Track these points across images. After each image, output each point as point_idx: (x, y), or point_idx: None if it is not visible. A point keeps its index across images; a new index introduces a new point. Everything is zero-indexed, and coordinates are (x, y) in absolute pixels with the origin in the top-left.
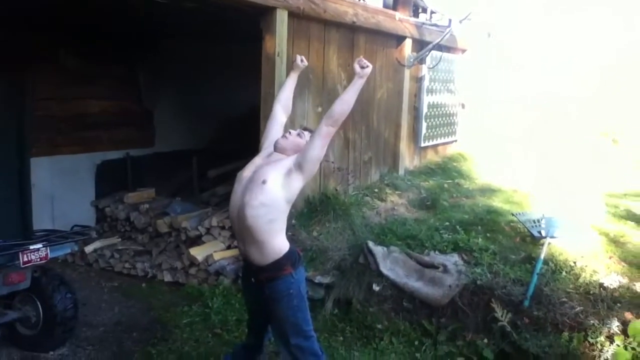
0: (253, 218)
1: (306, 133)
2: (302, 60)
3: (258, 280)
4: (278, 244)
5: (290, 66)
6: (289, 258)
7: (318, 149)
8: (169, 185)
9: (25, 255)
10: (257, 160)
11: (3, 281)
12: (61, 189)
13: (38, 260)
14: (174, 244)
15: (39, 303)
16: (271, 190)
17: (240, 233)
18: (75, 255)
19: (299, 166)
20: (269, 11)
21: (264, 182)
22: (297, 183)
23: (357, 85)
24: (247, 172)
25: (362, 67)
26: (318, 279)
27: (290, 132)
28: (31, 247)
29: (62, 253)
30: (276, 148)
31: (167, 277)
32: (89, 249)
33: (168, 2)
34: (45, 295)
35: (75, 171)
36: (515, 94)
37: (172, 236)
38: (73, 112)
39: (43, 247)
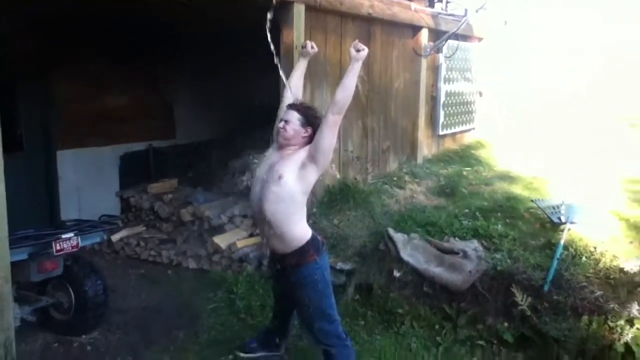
0: (272, 214)
1: (291, 112)
2: (312, 47)
3: (283, 267)
4: (299, 232)
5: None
6: (312, 245)
7: (328, 138)
8: (191, 175)
9: (58, 244)
10: (272, 156)
11: (37, 269)
12: (87, 181)
13: (70, 248)
14: (198, 232)
15: (71, 289)
16: (288, 186)
17: (262, 226)
18: (103, 243)
19: (312, 158)
20: (287, 5)
21: (280, 177)
22: (313, 174)
23: (354, 69)
24: (263, 167)
25: (358, 51)
26: (339, 265)
27: (282, 123)
28: (63, 236)
29: (91, 242)
30: (281, 145)
31: (192, 264)
32: (115, 237)
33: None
34: (76, 282)
35: (100, 163)
36: (531, 81)
37: (196, 225)
38: (95, 107)
39: (74, 236)
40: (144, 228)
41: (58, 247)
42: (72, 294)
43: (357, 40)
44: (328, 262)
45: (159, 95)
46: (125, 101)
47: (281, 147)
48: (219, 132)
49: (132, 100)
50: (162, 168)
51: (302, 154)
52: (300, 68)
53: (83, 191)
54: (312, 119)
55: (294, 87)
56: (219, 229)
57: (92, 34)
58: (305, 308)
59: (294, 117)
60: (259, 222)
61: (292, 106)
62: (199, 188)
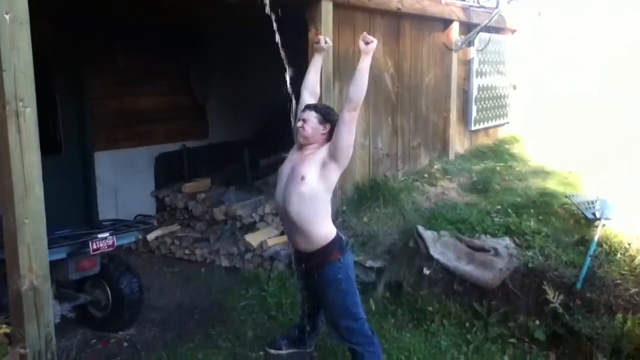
0: (297, 214)
1: (307, 111)
2: (326, 42)
3: (307, 266)
4: (324, 231)
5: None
6: (336, 244)
7: (346, 136)
8: (223, 174)
9: (94, 243)
10: (293, 157)
11: (75, 267)
12: (123, 181)
13: (106, 247)
14: (230, 231)
15: (107, 287)
16: (310, 186)
17: (287, 225)
18: (138, 242)
19: (332, 157)
20: (314, 3)
21: (302, 178)
22: (334, 173)
23: (365, 63)
24: (286, 168)
25: (367, 43)
26: (369, 263)
27: (300, 123)
28: (100, 235)
29: (127, 241)
30: (301, 144)
31: (225, 263)
32: (150, 236)
33: None
34: (113, 280)
35: (135, 164)
36: (565, 75)
37: (228, 224)
38: (129, 108)
39: (110, 235)
40: (179, 227)
41: (95, 247)
42: (109, 292)
43: (365, 33)
44: (352, 261)
45: (192, 96)
46: (159, 103)
47: (301, 147)
48: (251, 132)
49: (166, 102)
50: (196, 168)
51: (322, 153)
52: (315, 64)
53: (120, 191)
54: (329, 116)
55: (311, 86)
56: (251, 228)
57: (125, 35)
58: (331, 306)
59: (312, 115)
60: (284, 222)
61: (308, 106)
62: (231, 187)
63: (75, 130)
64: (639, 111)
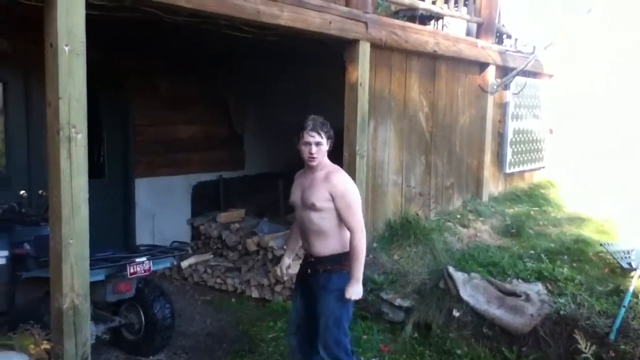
0: (318, 231)
1: (312, 133)
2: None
3: (315, 270)
4: (343, 240)
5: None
6: (349, 257)
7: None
8: (257, 205)
9: (132, 267)
10: (303, 179)
11: (112, 289)
12: (160, 208)
13: (142, 272)
14: (262, 262)
15: (141, 311)
16: (325, 211)
17: (307, 237)
18: (172, 269)
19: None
20: (352, 43)
21: (313, 205)
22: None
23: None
24: (297, 193)
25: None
26: (398, 301)
27: (313, 149)
28: (137, 259)
29: (163, 267)
30: (315, 169)
31: (255, 293)
32: (184, 264)
33: (251, 36)
34: (147, 304)
35: (173, 191)
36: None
37: (260, 254)
38: (169, 137)
39: (147, 260)
40: (212, 256)
41: (132, 270)
42: (143, 316)
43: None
44: None
45: (230, 126)
46: (198, 132)
47: (312, 169)
48: (286, 165)
49: (205, 132)
50: (231, 198)
51: (330, 190)
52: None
53: (157, 218)
54: (329, 132)
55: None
56: (282, 260)
57: (168, 62)
58: (327, 315)
59: (317, 138)
60: (305, 235)
61: (314, 129)
62: (264, 218)
63: (119, 156)
64: None
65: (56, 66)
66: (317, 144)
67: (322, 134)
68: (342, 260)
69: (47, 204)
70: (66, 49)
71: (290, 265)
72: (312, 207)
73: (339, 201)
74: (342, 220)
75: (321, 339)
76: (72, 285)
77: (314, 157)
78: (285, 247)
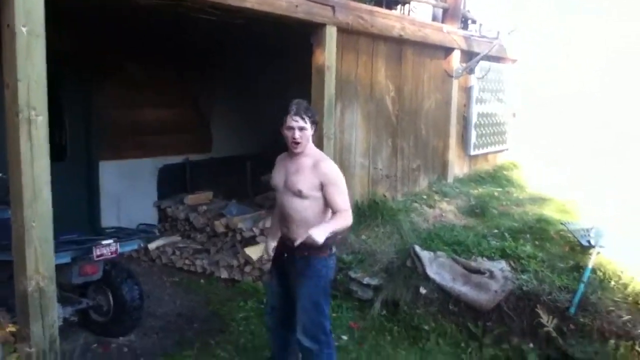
0: (300, 219)
1: (296, 118)
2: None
3: (292, 254)
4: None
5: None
6: (329, 243)
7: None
8: (225, 188)
9: (98, 250)
10: (286, 164)
11: (79, 272)
12: (126, 191)
13: (109, 254)
14: (230, 243)
15: (109, 293)
16: (310, 198)
17: (287, 222)
18: (139, 251)
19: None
20: (319, 27)
21: (299, 191)
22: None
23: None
24: (280, 177)
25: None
26: (366, 280)
27: (296, 134)
28: (103, 242)
29: (129, 249)
30: (300, 155)
31: (224, 274)
32: (152, 246)
33: (217, 19)
34: (115, 286)
35: (139, 174)
36: (562, 101)
37: (229, 236)
38: (134, 120)
39: (114, 242)
40: (180, 238)
41: (98, 253)
42: (111, 298)
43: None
44: (334, 266)
45: (197, 110)
46: (165, 115)
47: (296, 154)
48: (253, 148)
49: (171, 115)
50: (198, 181)
51: (317, 176)
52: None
53: (123, 201)
54: (315, 117)
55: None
56: (251, 241)
57: (134, 46)
58: (306, 299)
59: (300, 123)
60: (285, 221)
61: (298, 113)
62: (232, 201)
63: (81, 139)
64: None
65: (14, 48)
66: (301, 129)
67: (306, 119)
68: (323, 246)
69: (8, 187)
70: (24, 29)
71: (274, 248)
72: (299, 194)
73: (330, 188)
74: (330, 206)
75: (299, 322)
76: (37, 268)
77: (297, 143)
78: (267, 233)
